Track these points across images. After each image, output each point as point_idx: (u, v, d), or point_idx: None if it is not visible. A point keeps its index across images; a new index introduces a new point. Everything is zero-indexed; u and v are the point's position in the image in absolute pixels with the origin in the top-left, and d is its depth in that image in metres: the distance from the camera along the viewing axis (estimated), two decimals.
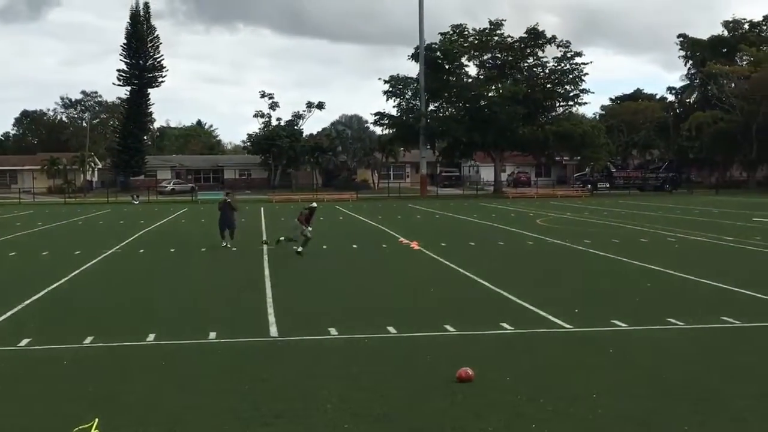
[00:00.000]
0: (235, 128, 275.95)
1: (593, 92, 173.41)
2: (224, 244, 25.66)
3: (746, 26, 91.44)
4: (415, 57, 78.40)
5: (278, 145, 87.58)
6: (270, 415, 8.35)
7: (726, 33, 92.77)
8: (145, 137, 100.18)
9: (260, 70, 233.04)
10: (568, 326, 12.74)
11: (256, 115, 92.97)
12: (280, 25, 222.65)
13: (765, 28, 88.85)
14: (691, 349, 11.19)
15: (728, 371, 9.92)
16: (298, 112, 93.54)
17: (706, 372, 9.89)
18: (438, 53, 77.32)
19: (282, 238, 23.68)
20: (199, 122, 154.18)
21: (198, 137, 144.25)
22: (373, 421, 8.14)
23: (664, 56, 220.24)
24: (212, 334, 12.33)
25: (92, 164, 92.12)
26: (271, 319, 13.60)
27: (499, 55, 79.54)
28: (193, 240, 28.91)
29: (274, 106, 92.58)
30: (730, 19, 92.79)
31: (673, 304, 14.54)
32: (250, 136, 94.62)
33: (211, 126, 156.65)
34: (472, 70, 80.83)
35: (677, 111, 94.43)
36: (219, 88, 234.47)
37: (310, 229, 23.13)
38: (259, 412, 8.46)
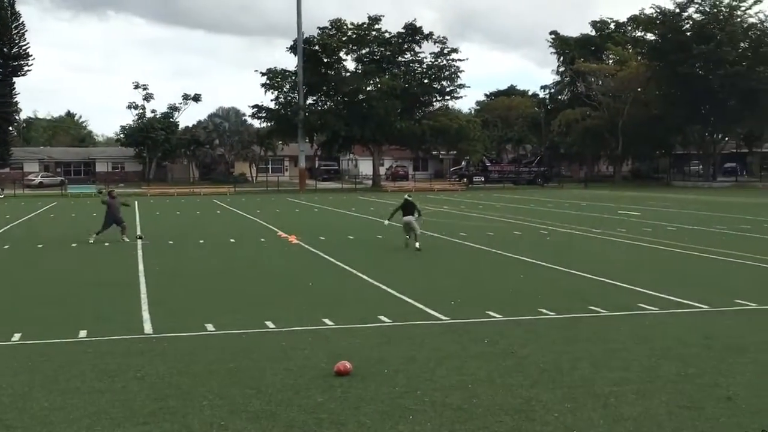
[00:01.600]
0: (108, 120, 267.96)
1: (469, 86, 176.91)
2: (91, 240, 25.19)
3: (612, 26, 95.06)
4: (293, 50, 77.97)
5: (153, 138, 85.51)
6: (144, 414, 8.15)
7: (594, 32, 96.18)
8: (10, 128, 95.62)
9: (133, 60, 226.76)
10: (444, 318, 12.96)
11: (129, 107, 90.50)
12: (153, 13, 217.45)
13: (630, 28, 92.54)
14: (562, 338, 11.55)
15: (596, 359, 10.29)
16: (174, 104, 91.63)
17: (576, 360, 10.23)
18: (316, 47, 77.22)
19: (417, 245, 22.40)
20: (68, 113, 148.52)
21: (68, 129, 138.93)
22: (251, 417, 8.05)
23: (537, 53, 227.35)
24: (82, 333, 11.92)
25: None
26: (146, 315, 13.27)
27: (377, 50, 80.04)
28: (62, 235, 27.90)
29: (148, 97, 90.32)
30: (598, 20, 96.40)
31: (545, 295, 14.99)
32: (123, 128, 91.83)
33: (81, 117, 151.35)
34: (350, 64, 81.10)
35: (548, 107, 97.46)
36: (89, 77, 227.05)
37: (414, 218, 22.64)
38: (133, 411, 8.24)
